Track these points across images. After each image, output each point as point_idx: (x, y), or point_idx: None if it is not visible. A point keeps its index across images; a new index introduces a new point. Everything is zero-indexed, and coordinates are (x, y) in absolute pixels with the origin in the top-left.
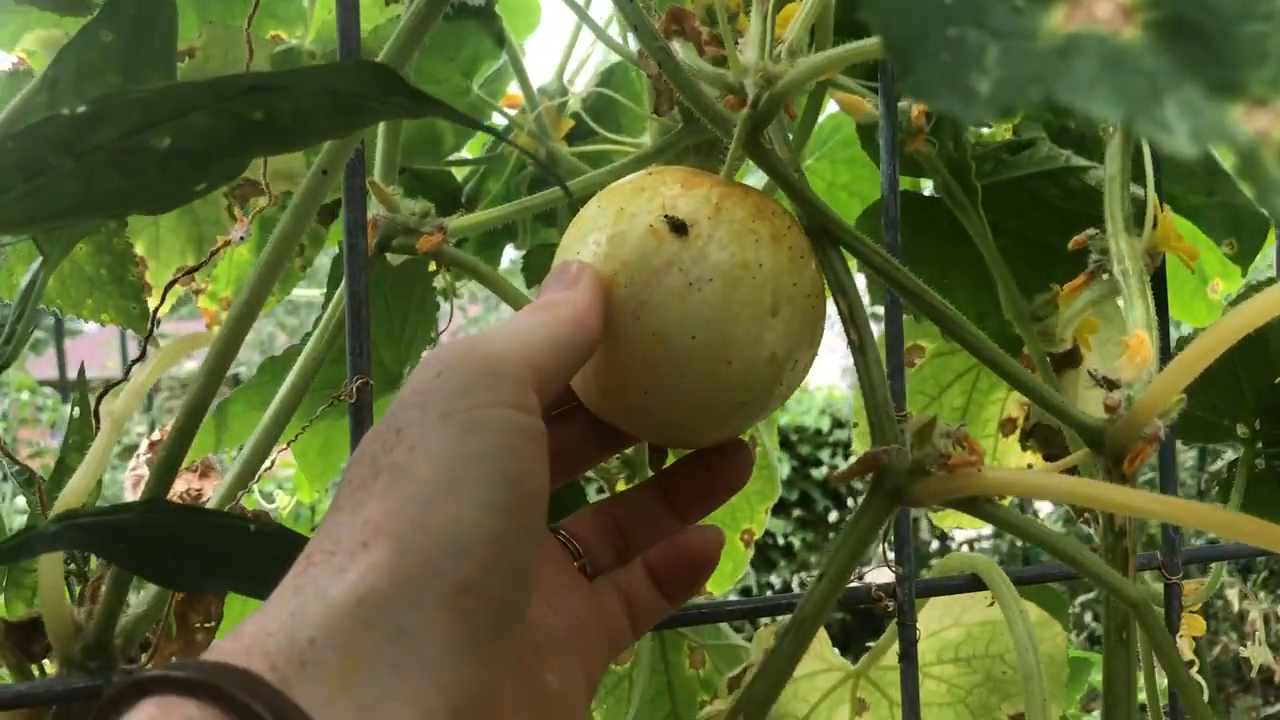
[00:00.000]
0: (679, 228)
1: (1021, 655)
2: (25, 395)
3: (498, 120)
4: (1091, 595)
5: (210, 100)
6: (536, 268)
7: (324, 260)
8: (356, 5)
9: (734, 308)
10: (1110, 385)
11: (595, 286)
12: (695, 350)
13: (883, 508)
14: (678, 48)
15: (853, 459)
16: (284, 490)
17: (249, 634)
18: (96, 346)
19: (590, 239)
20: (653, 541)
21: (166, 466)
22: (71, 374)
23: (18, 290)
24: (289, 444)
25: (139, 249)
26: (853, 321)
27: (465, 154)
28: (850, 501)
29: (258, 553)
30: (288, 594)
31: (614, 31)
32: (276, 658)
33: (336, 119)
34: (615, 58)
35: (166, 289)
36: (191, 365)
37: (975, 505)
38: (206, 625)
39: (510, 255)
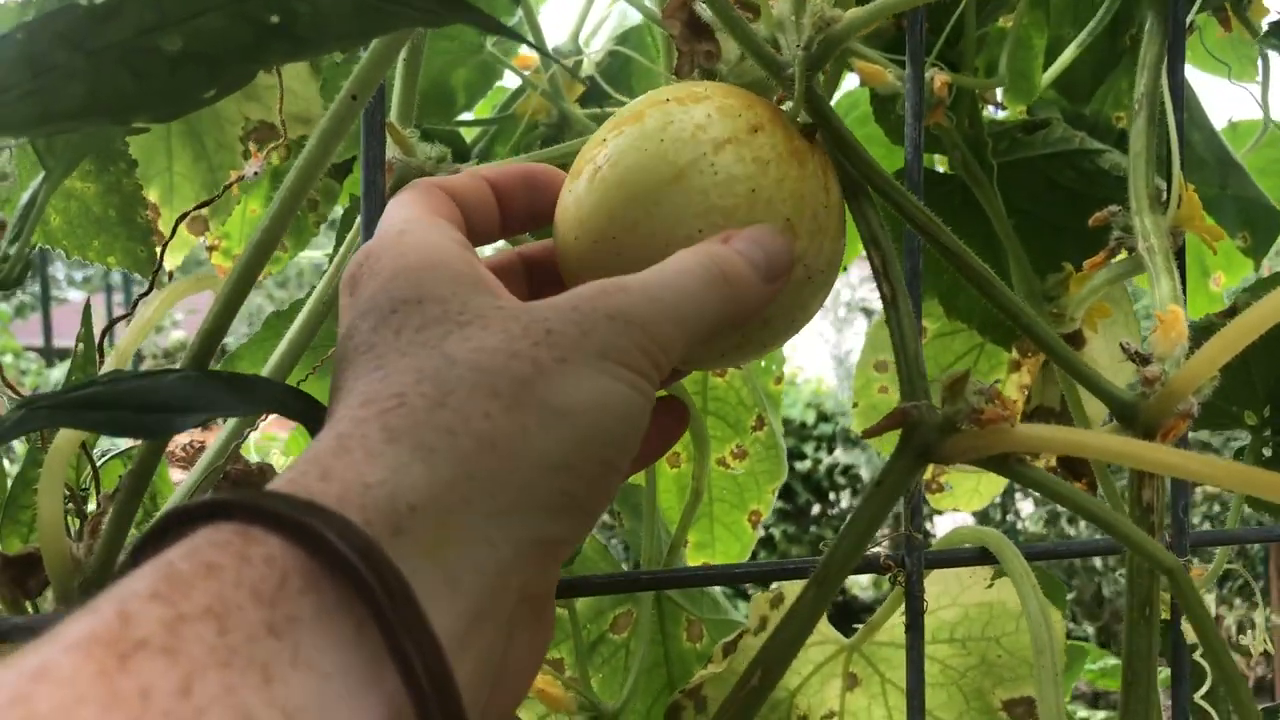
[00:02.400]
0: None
1: (1034, 629)
2: (9, 358)
3: (510, 81)
4: (1070, 596)
5: (224, 2)
6: None
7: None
8: None
9: (795, 181)
10: (1143, 360)
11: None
12: (754, 202)
13: (910, 465)
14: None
15: (839, 452)
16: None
17: (342, 479)
18: (78, 312)
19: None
20: None
21: None
22: (57, 341)
23: (17, 206)
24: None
25: (152, 196)
26: (886, 276)
27: (475, 118)
28: (832, 495)
29: (242, 388)
30: (377, 437)
31: None
32: (372, 514)
33: (355, 24)
34: (630, 21)
35: (176, 224)
36: (179, 335)
37: (1006, 464)
38: None
39: None
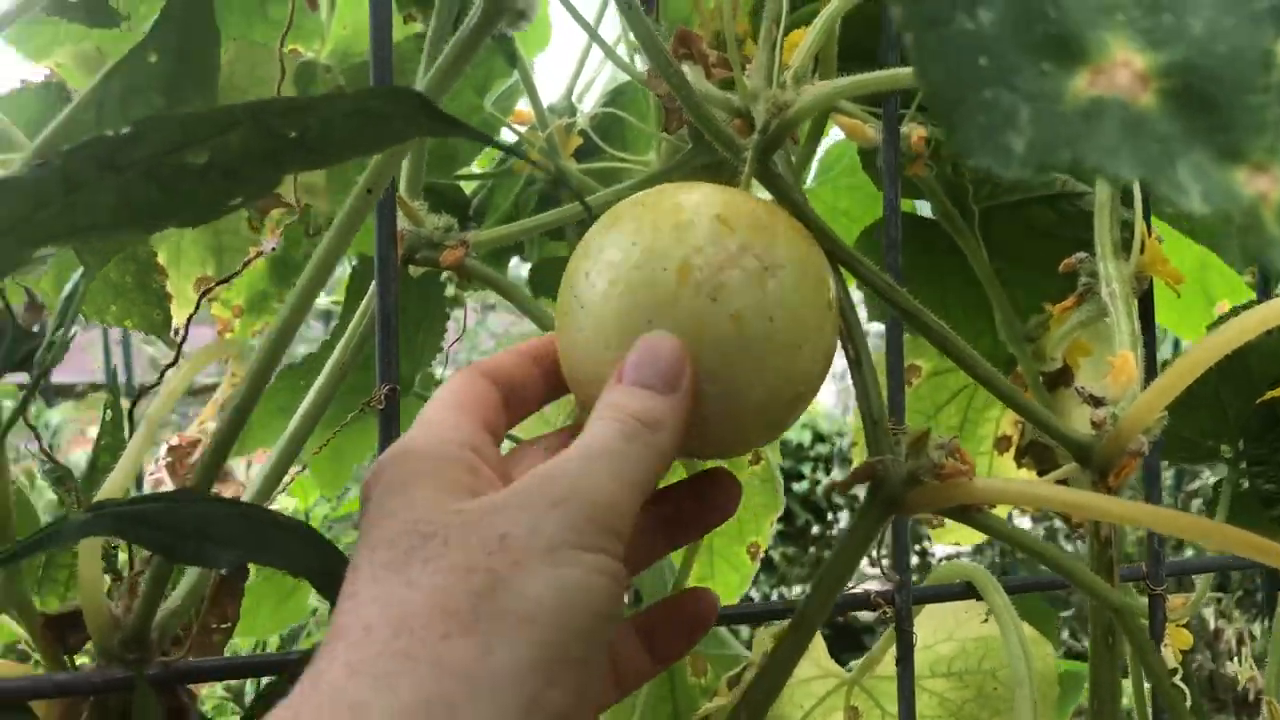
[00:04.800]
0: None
1: (1013, 660)
2: (7, 403)
3: (507, 136)
4: (1069, 612)
5: (247, 120)
6: (544, 281)
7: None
8: (389, 24)
9: (805, 293)
10: (1097, 402)
11: (691, 395)
12: (773, 334)
13: (879, 515)
14: (686, 70)
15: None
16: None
17: None
18: (78, 350)
19: (650, 229)
20: (639, 568)
21: (207, 472)
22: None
23: (60, 298)
24: (318, 450)
25: (161, 258)
26: (850, 338)
27: (474, 168)
28: (830, 515)
29: (275, 536)
30: (341, 673)
31: (621, 52)
32: None
33: (366, 137)
34: (622, 79)
35: (200, 299)
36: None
37: (968, 514)
38: (223, 626)
39: (513, 266)
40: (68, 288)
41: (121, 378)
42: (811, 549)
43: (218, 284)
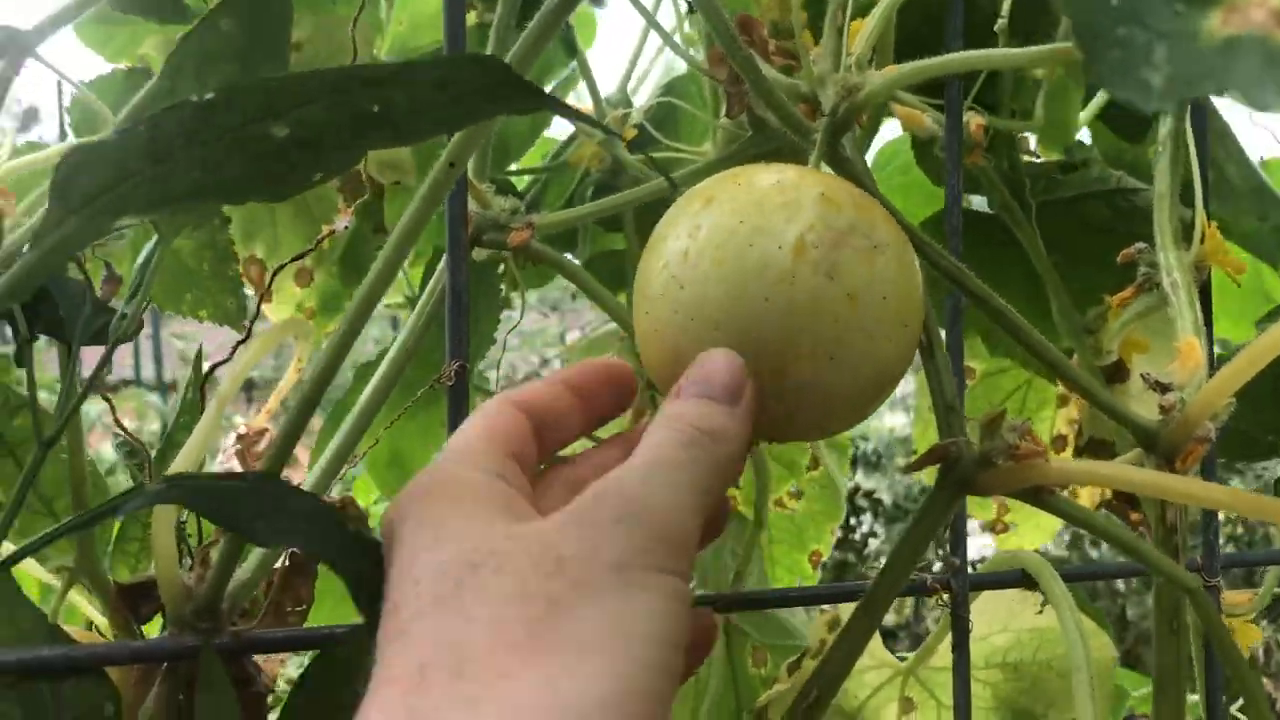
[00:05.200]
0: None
1: (1070, 646)
2: (43, 394)
3: (555, 131)
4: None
5: (327, 92)
6: (598, 274)
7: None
8: (463, 8)
9: (906, 273)
10: (1163, 389)
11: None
12: (885, 312)
13: (950, 498)
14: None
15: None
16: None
17: None
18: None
19: (755, 207)
20: None
21: (276, 460)
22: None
23: (135, 267)
24: (376, 442)
25: (259, 251)
26: (923, 325)
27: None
28: (853, 519)
29: (343, 534)
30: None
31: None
32: None
33: (449, 114)
34: (676, 71)
35: (274, 274)
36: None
37: (1039, 496)
38: (298, 609)
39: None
40: (141, 257)
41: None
42: (835, 552)
43: (294, 259)
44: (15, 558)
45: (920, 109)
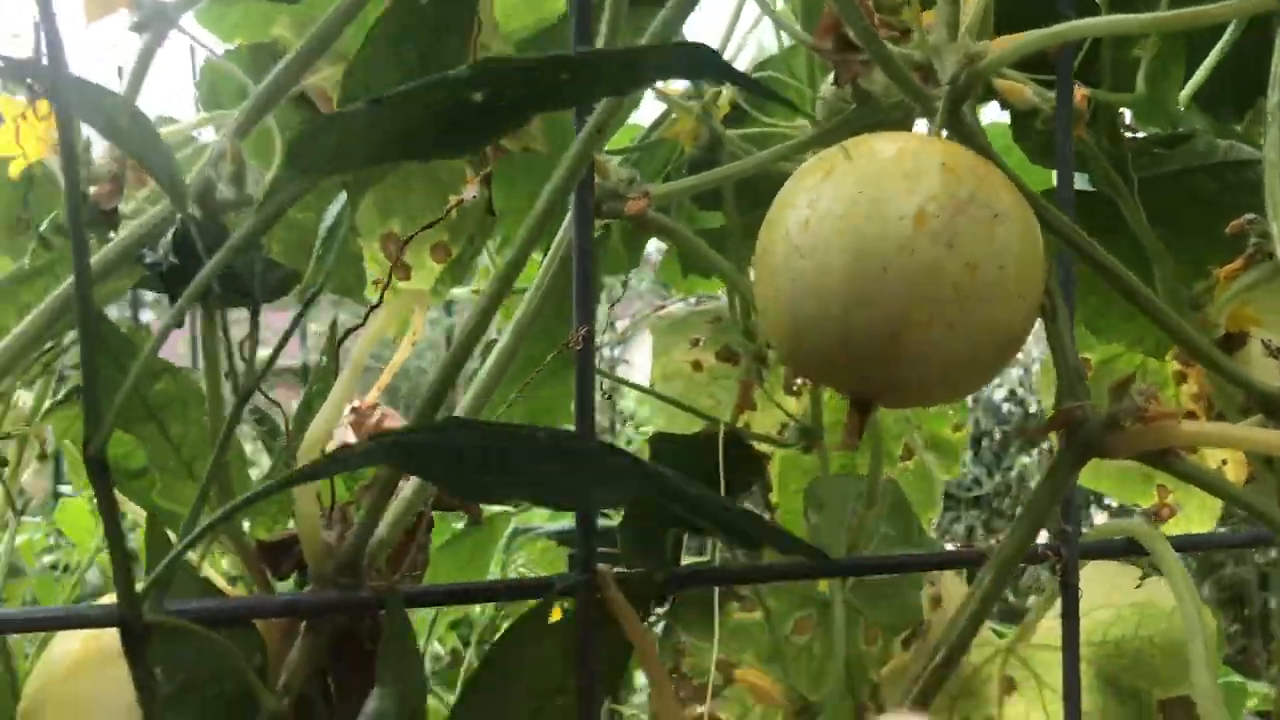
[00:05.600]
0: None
1: (1185, 613)
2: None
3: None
4: None
5: (528, 69)
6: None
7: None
8: None
9: (1027, 242)
10: None
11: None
12: (1004, 282)
13: (1076, 461)
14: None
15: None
16: None
17: None
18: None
19: (875, 177)
20: None
21: (429, 411)
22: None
23: (323, 226)
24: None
25: (394, 228)
26: (1046, 290)
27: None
28: None
29: (543, 463)
30: None
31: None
32: None
33: (622, 78)
34: (768, 51)
35: (404, 244)
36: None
37: (1166, 459)
38: (414, 574)
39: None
40: (330, 214)
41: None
42: None
43: (423, 229)
44: (229, 513)
45: (1023, 82)
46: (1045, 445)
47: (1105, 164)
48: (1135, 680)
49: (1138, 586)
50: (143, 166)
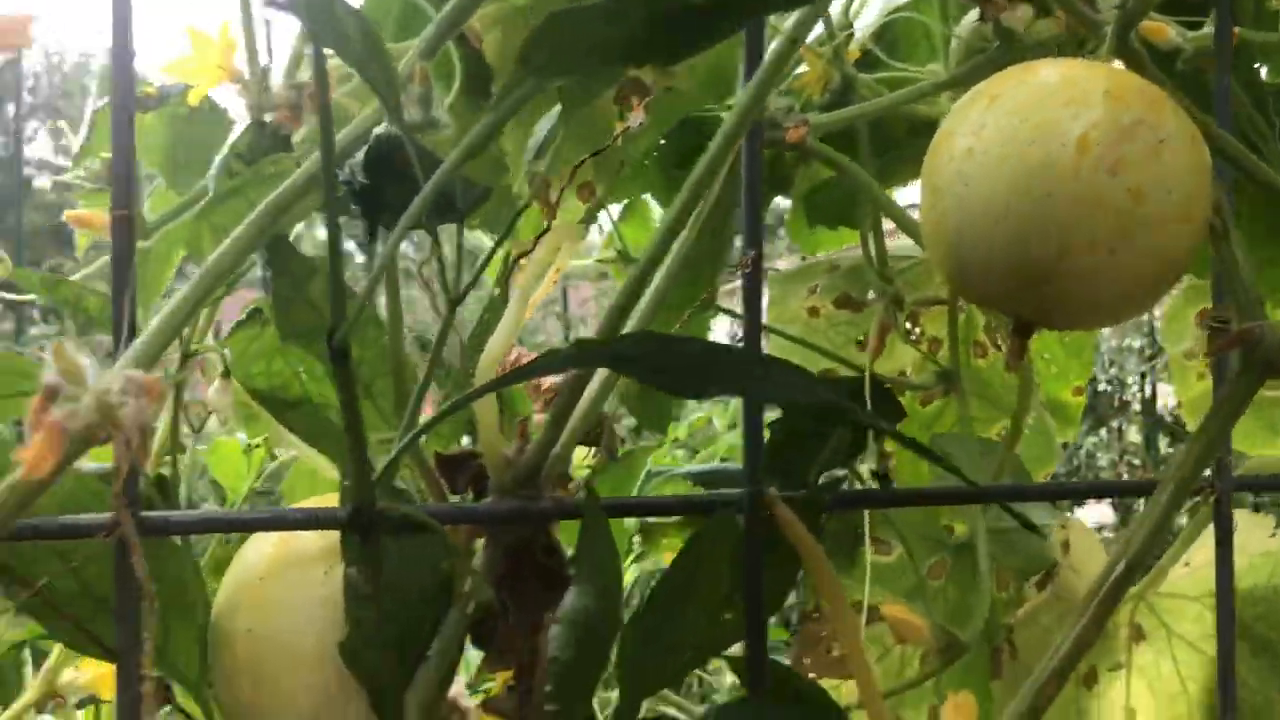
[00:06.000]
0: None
1: None
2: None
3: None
4: None
5: None
6: (820, 206)
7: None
8: None
9: (1194, 165)
10: None
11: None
12: (1168, 207)
13: (1254, 380)
14: None
15: None
16: None
17: None
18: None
19: (1038, 104)
20: None
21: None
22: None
23: (531, 144)
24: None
25: (543, 167)
26: (1216, 209)
27: None
28: None
29: (749, 368)
30: None
31: None
32: None
33: None
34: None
35: (575, 169)
36: None
37: None
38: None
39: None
40: (541, 131)
41: None
42: None
43: (579, 164)
44: (427, 426)
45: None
46: (1115, 424)
47: (1247, 104)
48: (1268, 631)
49: (1272, 535)
50: (363, 78)
